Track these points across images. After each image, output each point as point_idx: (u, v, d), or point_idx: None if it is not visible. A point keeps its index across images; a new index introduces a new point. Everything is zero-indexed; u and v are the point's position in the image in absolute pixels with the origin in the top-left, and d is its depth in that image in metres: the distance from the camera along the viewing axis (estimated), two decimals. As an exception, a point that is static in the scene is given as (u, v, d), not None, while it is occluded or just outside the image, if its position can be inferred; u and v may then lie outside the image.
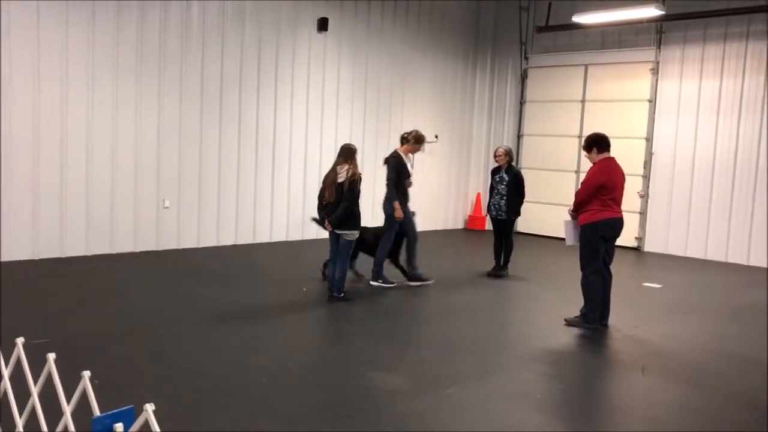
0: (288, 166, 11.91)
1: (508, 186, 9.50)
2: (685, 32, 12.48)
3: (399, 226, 8.53)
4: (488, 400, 4.76)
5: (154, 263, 9.40)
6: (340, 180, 7.40)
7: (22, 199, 8.78)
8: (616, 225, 6.86)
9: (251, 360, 5.44)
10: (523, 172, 10.35)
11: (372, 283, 8.53)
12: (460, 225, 15.57)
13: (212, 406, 4.39)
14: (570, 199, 7.19)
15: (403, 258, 8.82)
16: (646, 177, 13.03)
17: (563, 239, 7.35)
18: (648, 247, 13.01)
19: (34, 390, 2.96)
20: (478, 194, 15.45)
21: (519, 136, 15.02)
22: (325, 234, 7.97)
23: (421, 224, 14.37)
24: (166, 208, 10.27)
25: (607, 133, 7.06)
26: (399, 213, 8.38)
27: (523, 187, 9.61)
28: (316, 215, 7.99)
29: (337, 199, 7.39)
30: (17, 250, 8.77)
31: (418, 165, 14.23)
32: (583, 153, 7.20)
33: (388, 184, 8.58)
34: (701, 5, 11.91)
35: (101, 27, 9.29)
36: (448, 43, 14.68)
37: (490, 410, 4.58)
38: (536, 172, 14.09)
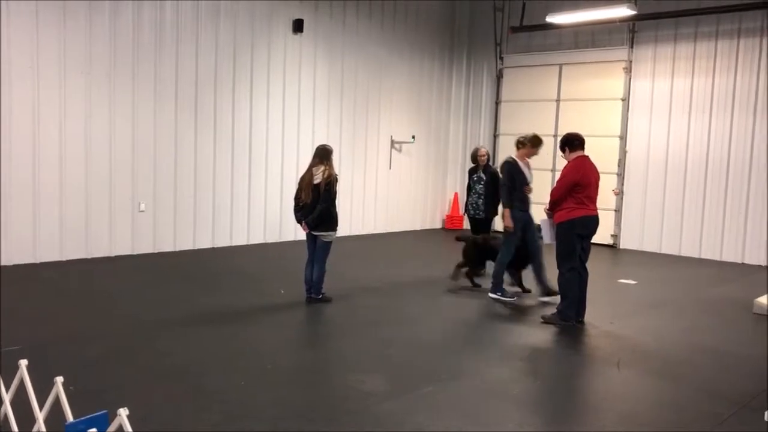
0: (265, 167, 11.86)
1: (486, 185, 9.57)
2: (657, 32, 12.66)
3: (521, 237, 8.00)
4: (466, 399, 4.79)
5: (129, 267, 9.30)
6: (316, 181, 7.38)
7: (-7, 204, 8.65)
8: (592, 223, 6.93)
9: (229, 362, 5.41)
10: (499, 172, 10.41)
11: (490, 295, 8.11)
12: (438, 225, 15.61)
13: (189, 410, 4.36)
14: (546, 198, 7.25)
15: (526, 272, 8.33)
16: (621, 175, 13.18)
17: (540, 237, 7.42)
18: (623, 244, 13.16)
19: (6, 397, 2.92)
20: (456, 194, 15.51)
21: (495, 136, 15.10)
22: (302, 235, 7.94)
23: (400, 224, 14.51)
24: (142, 211, 10.17)
25: (582, 132, 7.17)
26: (507, 221, 7.88)
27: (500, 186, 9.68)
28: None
29: (314, 201, 7.37)
30: (-11, 256, 8.63)
31: (395, 165, 14.28)
32: (559, 153, 7.28)
33: (501, 191, 8.15)
34: (672, 5, 12.09)
35: (72, 27, 9.17)
36: (424, 43, 14.72)
37: (468, 408, 4.60)
38: (513, 172, 14.16)
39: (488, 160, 9.87)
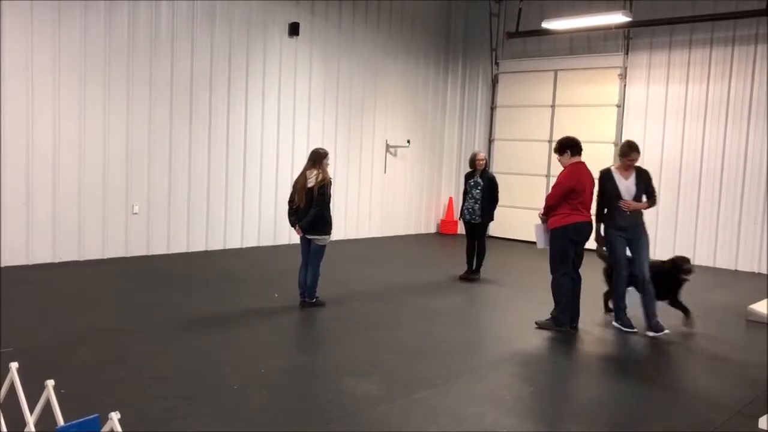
0: (259, 170, 11.84)
1: (483, 190, 9.57)
2: (652, 39, 12.72)
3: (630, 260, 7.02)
4: (460, 403, 4.77)
5: (122, 270, 9.26)
6: (309, 185, 7.37)
7: (-15, 205, 8.61)
8: (585, 228, 6.93)
9: (222, 366, 5.38)
10: (496, 177, 10.42)
11: (614, 324, 7.23)
12: (432, 229, 15.61)
13: (181, 413, 4.34)
14: (541, 203, 7.25)
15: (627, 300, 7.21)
16: (615, 181, 13.19)
17: (534, 243, 7.42)
18: (617, 250, 13.16)
19: (-4, 400, 2.90)
20: (450, 198, 15.52)
21: (490, 141, 15.12)
22: (297, 239, 7.93)
23: (395, 229, 14.50)
24: (136, 213, 10.13)
25: (578, 138, 7.14)
26: (597, 239, 7.20)
27: (497, 191, 9.71)
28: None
29: (308, 204, 7.36)
30: (-19, 258, 8.58)
31: (390, 169, 14.28)
32: (555, 155, 7.22)
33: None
34: (667, 12, 12.14)
35: (67, 27, 9.14)
36: (420, 47, 14.75)
37: (461, 413, 4.59)
38: (507, 176, 14.16)
39: (485, 165, 9.87)
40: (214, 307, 7.34)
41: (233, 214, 11.51)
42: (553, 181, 7.27)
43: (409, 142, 14.54)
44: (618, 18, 11.80)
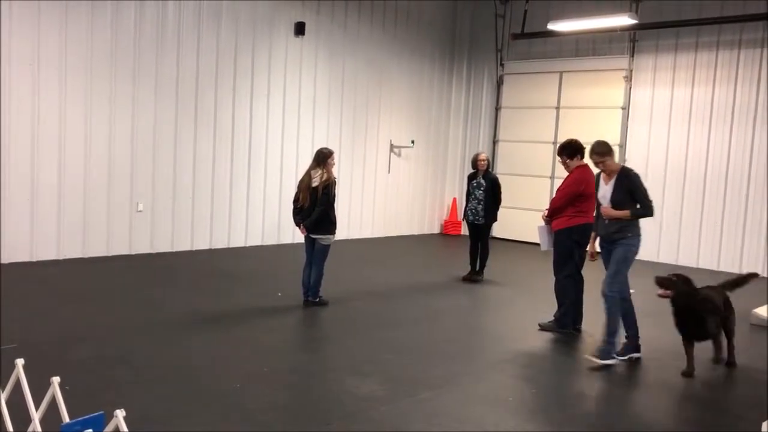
0: (264, 170, 11.85)
1: (486, 191, 9.57)
2: (658, 41, 12.69)
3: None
4: (462, 404, 4.78)
5: (126, 267, 9.28)
6: (314, 184, 7.38)
7: (-9, 201, 8.64)
8: (590, 230, 6.91)
9: (225, 364, 5.40)
10: (499, 178, 10.42)
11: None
12: (436, 230, 15.61)
13: (185, 412, 4.35)
14: (544, 205, 7.24)
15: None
16: (619, 183, 13.17)
17: (538, 244, 7.41)
18: (621, 252, 13.14)
19: (2, 396, 2.91)
20: (454, 199, 15.51)
21: (494, 142, 15.11)
22: (301, 238, 7.94)
23: (398, 229, 14.50)
24: (140, 211, 10.15)
25: (581, 140, 7.10)
26: (591, 250, 6.52)
27: (500, 192, 9.70)
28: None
29: (312, 204, 7.37)
30: (-14, 254, 8.61)
31: (394, 169, 14.28)
32: (560, 158, 7.09)
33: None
34: (673, 15, 12.11)
35: (74, 24, 9.17)
36: (425, 48, 14.74)
37: (464, 414, 4.59)
38: (511, 178, 14.17)
39: (488, 166, 9.87)
40: (217, 306, 7.35)
41: (237, 212, 11.53)
42: (557, 182, 7.28)
43: (413, 142, 14.53)
44: (624, 20, 11.77)
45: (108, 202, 9.78)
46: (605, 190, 6.27)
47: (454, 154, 15.77)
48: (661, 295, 5.85)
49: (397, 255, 12.23)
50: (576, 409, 5.04)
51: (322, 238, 7.45)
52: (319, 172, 7.41)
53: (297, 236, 8.52)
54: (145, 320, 6.61)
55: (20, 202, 8.89)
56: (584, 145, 6.98)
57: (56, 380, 2.66)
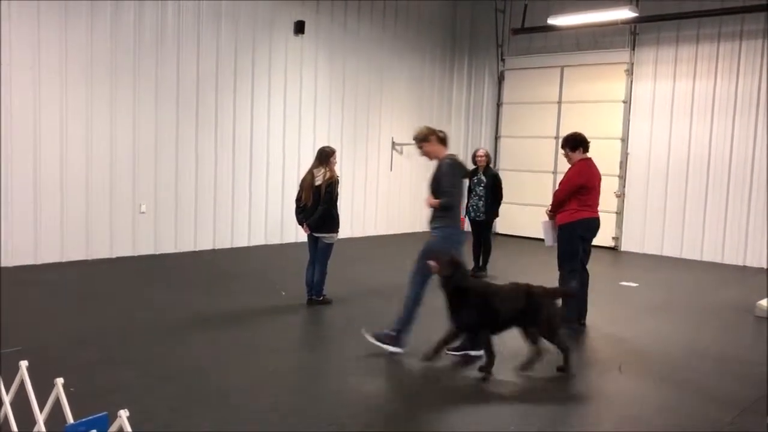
0: (266, 168, 11.85)
1: (487, 188, 9.56)
2: (659, 34, 12.65)
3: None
4: (467, 401, 4.77)
5: (130, 269, 9.29)
6: (317, 183, 7.38)
7: (-6, 205, 8.65)
8: (594, 225, 6.92)
9: (229, 364, 5.40)
10: (501, 174, 10.42)
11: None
12: (439, 227, 15.56)
13: (189, 412, 4.35)
14: (547, 200, 7.22)
15: None
16: (622, 177, 13.17)
17: (542, 240, 7.38)
18: (625, 246, 13.14)
19: (6, 398, 2.91)
20: (457, 196, 15.48)
21: (496, 138, 15.09)
22: (304, 237, 7.93)
23: (401, 226, 14.49)
24: (143, 212, 10.16)
25: (583, 134, 7.11)
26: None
27: (501, 188, 9.69)
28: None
29: (315, 202, 7.37)
30: (-10, 257, 8.62)
31: (396, 167, 14.26)
32: (563, 151, 7.06)
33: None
34: (674, 7, 12.07)
35: (74, 27, 9.17)
36: (425, 45, 14.72)
37: (468, 410, 4.59)
38: (514, 174, 14.16)
39: (488, 162, 9.85)
40: (221, 306, 7.35)
41: (240, 212, 11.53)
42: (559, 177, 7.25)
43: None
44: (624, 13, 11.74)
45: (111, 204, 9.79)
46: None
47: (456, 150, 15.58)
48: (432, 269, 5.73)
49: (400, 253, 12.21)
50: (580, 405, 5.02)
51: (325, 237, 7.45)
52: (322, 170, 7.41)
53: (300, 235, 8.52)
54: (149, 321, 6.61)
55: (23, 205, 8.90)
56: (586, 139, 6.99)
57: (60, 381, 2.66)
